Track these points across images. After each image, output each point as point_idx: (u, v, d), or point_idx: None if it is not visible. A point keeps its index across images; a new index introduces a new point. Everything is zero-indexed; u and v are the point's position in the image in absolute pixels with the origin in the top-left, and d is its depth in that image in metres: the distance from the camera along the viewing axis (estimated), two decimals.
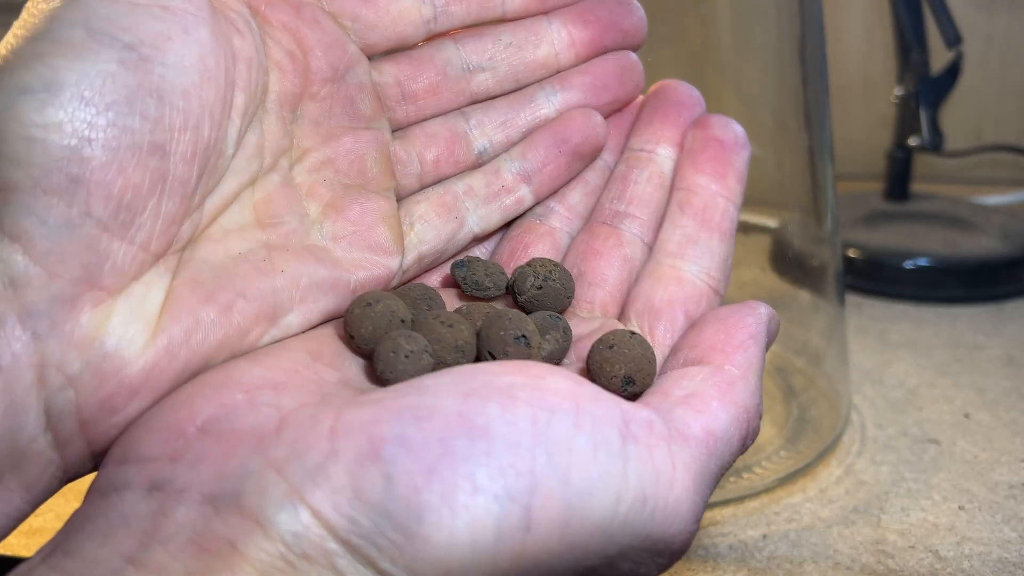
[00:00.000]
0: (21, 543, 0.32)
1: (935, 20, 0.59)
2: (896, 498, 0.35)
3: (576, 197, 0.26)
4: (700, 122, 0.26)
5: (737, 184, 0.25)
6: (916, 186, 0.66)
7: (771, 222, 0.51)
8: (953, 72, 0.60)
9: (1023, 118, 0.79)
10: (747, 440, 0.20)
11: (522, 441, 0.16)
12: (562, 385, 0.17)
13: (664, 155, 0.26)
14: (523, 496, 0.16)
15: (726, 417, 0.19)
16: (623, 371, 0.20)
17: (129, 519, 0.16)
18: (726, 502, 0.35)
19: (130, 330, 0.18)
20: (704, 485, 0.18)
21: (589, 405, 0.17)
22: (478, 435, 0.16)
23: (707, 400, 0.19)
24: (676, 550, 0.18)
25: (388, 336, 0.20)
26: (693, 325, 0.23)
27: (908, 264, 0.55)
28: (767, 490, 0.36)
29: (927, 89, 0.60)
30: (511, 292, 0.24)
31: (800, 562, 0.31)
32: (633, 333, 0.21)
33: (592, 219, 0.26)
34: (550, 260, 0.24)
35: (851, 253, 0.56)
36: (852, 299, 0.55)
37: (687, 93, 0.27)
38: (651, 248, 0.25)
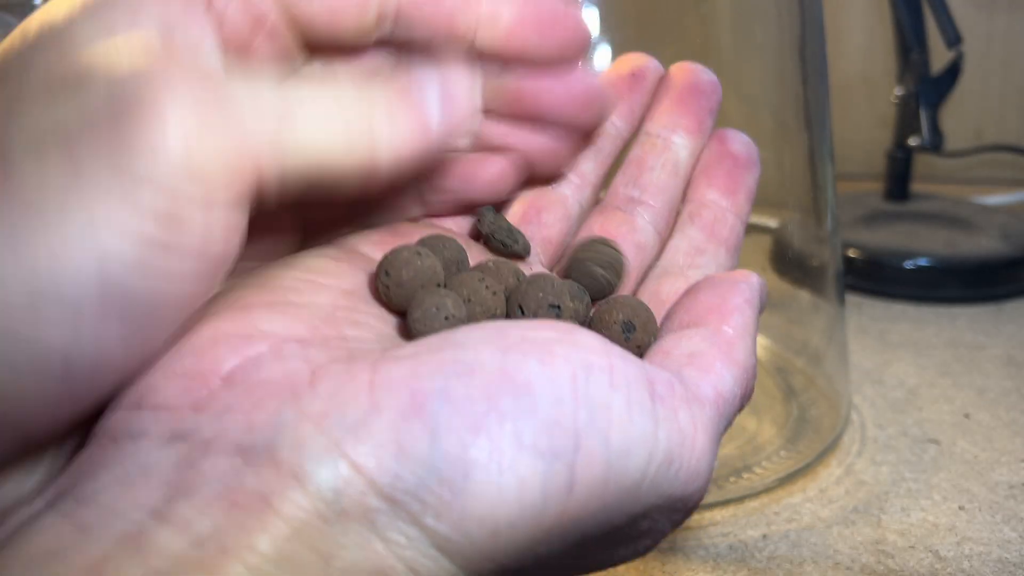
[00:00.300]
0: None
1: (935, 20, 0.59)
2: (896, 498, 0.35)
3: (588, 166, 0.26)
4: (718, 136, 0.26)
5: (746, 202, 0.26)
6: (916, 186, 0.66)
7: (771, 222, 0.51)
8: (953, 72, 0.60)
9: (1023, 118, 0.79)
10: (746, 400, 0.20)
11: (564, 398, 0.16)
12: (593, 343, 0.17)
13: (680, 144, 0.26)
14: (567, 454, 0.16)
15: (730, 377, 0.19)
16: (621, 316, 0.21)
17: (150, 470, 0.15)
18: (726, 502, 0.35)
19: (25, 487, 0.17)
20: (716, 444, 0.18)
21: (620, 363, 0.17)
22: (522, 391, 0.16)
23: (711, 360, 0.20)
24: (691, 507, 0.18)
25: (435, 291, 0.19)
26: (688, 291, 0.23)
27: (908, 264, 0.55)
28: (767, 490, 0.36)
29: (927, 89, 0.60)
30: (570, 260, 0.23)
31: (800, 562, 0.31)
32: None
33: (607, 203, 0.26)
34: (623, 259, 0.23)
35: (851, 253, 0.56)
36: (852, 299, 0.55)
37: (705, 80, 0.27)
38: (661, 236, 0.26)
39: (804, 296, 0.44)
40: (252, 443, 0.15)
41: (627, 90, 0.27)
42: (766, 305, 0.23)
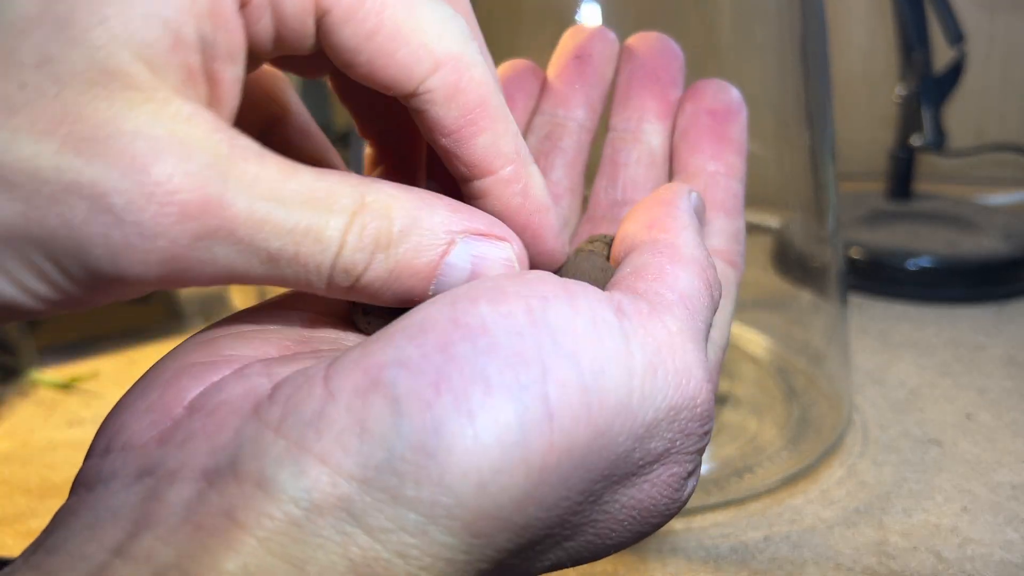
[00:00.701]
0: (20, 545, 0.32)
1: (937, 18, 0.59)
2: (898, 499, 0.35)
3: (559, 173, 0.25)
4: (691, 94, 0.25)
5: (736, 157, 0.24)
6: (918, 186, 0.65)
7: (773, 222, 0.51)
8: (956, 71, 0.60)
9: None
10: (713, 290, 0.20)
11: (523, 330, 0.15)
12: (548, 278, 0.17)
13: (650, 131, 0.25)
14: (537, 385, 0.15)
15: (686, 275, 0.19)
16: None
17: (117, 510, 0.15)
18: (728, 503, 0.35)
19: None
20: (700, 343, 0.18)
21: (579, 290, 0.17)
22: (476, 334, 0.15)
23: (661, 267, 0.19)
24: (701, 414, 0.17)
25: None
26: (619, 228, 0.22)
27: (910, 264, 0.55)
28: (769, 491, 0.35)
29: (929, 88, 0.60)
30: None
31: (802, 563, 0.31)
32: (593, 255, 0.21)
33: (591, 213, 0.25)
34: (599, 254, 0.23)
35: (853, 253, 0.56)
36: (854, 299, 0.55)
37: (661, 51, 0.25)
38: None
39: (805, 296, 0.44)
40: (216, 465, 0.15)
41: (576, 78, 0.26)
42: (702, 208, 0.22)
